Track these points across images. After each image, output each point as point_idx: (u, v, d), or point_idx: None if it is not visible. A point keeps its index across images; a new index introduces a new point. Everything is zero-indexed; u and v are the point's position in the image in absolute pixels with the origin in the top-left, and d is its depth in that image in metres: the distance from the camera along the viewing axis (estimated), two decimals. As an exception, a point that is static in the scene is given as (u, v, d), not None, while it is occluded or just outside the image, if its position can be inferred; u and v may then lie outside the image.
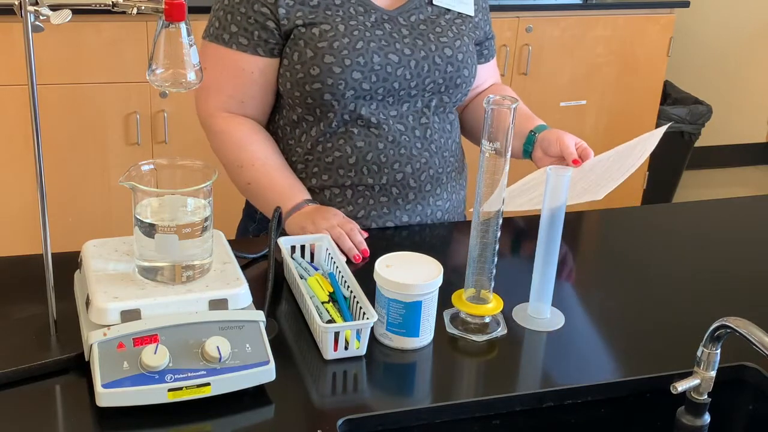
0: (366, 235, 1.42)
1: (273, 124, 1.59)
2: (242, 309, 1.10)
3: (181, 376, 1.02)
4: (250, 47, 1.48)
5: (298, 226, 1.42)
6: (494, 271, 1.22)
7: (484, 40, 1.64)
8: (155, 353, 1.02)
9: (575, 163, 1.46)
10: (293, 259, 1.32)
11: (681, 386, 1.03)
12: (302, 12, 1.46)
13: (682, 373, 1.07)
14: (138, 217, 1.10)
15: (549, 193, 1.19)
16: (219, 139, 1.54)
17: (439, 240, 1.56)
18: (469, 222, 1.23)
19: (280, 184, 1.49)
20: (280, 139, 1.58)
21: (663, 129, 1.51)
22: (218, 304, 1.09)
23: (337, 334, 1.13)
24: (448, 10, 1.55)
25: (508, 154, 1.17)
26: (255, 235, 1.64)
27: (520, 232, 1.57)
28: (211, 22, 1.51)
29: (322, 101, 1.46)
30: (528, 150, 1.53)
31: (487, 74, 1.69)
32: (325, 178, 1.52)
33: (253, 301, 1.12)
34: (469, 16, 1.58)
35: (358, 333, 1.14)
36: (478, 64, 1.64)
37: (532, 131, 1.52)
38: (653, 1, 3.35)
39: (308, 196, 1.49)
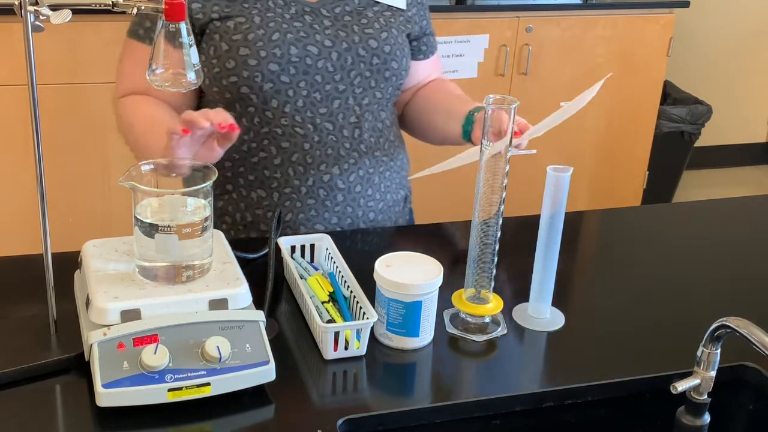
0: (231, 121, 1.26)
1: None
2: (242, 309, 1.10)
3: (181, 376, 1.02)
4: None
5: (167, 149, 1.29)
6: (494, 271, 1.22)
7: (421, 35, 1.60)
8: (155, 353, 1.02)
9: (515, 135, 1.43)
10: (293, 259, 1.32)
11: (681, 386, 1.03)
12: (218, 6, 1.43)
13: (682, 373, 1.07)
14: (138, 217, 1.10)
15: (549, 193, 1.19)
16: (119, 113, 1.51)
17: (439, 240, 1.56)
18: (469, 222, 1.23)
19: (162, 119, 1.42)
20: None
21: (601, 82, 1.46)
22: (218, 304, 1.09)
23: (337, 334, 1.13)
24: (377, 2, 1.51)
25: (509, 154, 1.17)
26: None
27: (520, 232, 1.57)
28: (132, 20, 1.50)
29: (239, 95, 1.44)
30: (468, 130, 1.48)
31: (428, 70, 1.66)
32: (251, 178, 1.50)
33: (253, 301, 1.12)
34: (401, 9, 1.54)
35: (358, 333, 1.14)
36: (417, 60, 1.61)
37: (470, 111, 1.49)
38: (653, 1, 3.35)
39: None
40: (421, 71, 1.64)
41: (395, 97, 1.57)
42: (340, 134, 1.48)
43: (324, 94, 1.46)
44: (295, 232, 1.47)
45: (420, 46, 1.62)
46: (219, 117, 1.22)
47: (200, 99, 1.54)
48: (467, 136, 1.48)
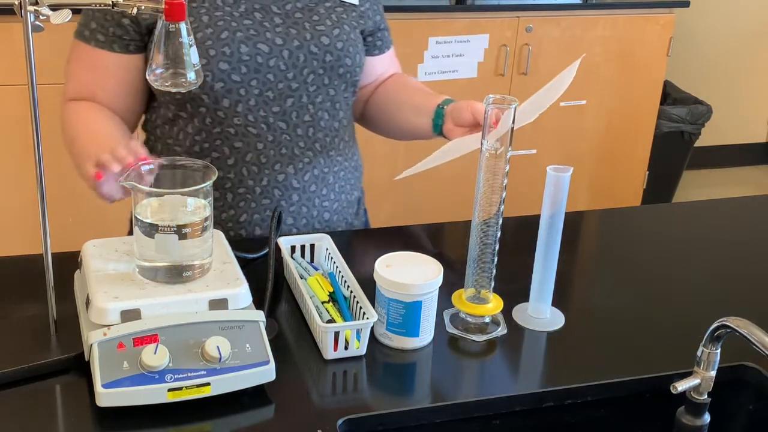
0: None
1: (150, 123, 1.54)
2: (242, 309, 1.10)
3: (181, 376, 1.02)
4: (107, 44, 1.44)
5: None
6: (494, 271, 1.22)
7: (375, 30, 1.58)
8: (155, 353, 1.02)
9: (494, 125, 1.41)
10: (293, 259, 1.32)
11: (681, 386, 1.03)
12: None
13: (682, 373, 1.07)
14: (138, 217, 1.10)
15: (549, 193, 1.19)
16: (63, 119, 1.49)
17: (439, 240, 1.56)
18: (469, 222, 1.23)
19: (103, 137, 1.40)
20: (159, 138, 1.51)
21: (577, 62, 1.44)
22: (218, 304, 1.09)
23: (337, 334, 1.13)
24: None
25: (509, 154, 1.17)
26: None
27: (520, 232, 1.57)
28: (79, 21, 1.48)
29: (190, 95, 1.41)
30: (438, 123, 1.46)
31: (385, 65, 1.64)
32: None
33: (253, 301, 1.12)
34: (353, 4, 1.52)
35: (358, 333, 1.15)
36: (372, 56, 1.59)
37: (439, 105, 1.47)
38: (653, 1, 3.35)
39: None
40: (378, 67, 1.62)
41: (352, 95, 1.55)
42: (294, 133, 1.46)
43: (276, 92, 1.44)
44: (249, 234, 1.46)
45: (375, 41, 1.59)
46: (130, 156, 1.16)
47: (150, 101, 1.52)
48: (438, 130, 1.47)
